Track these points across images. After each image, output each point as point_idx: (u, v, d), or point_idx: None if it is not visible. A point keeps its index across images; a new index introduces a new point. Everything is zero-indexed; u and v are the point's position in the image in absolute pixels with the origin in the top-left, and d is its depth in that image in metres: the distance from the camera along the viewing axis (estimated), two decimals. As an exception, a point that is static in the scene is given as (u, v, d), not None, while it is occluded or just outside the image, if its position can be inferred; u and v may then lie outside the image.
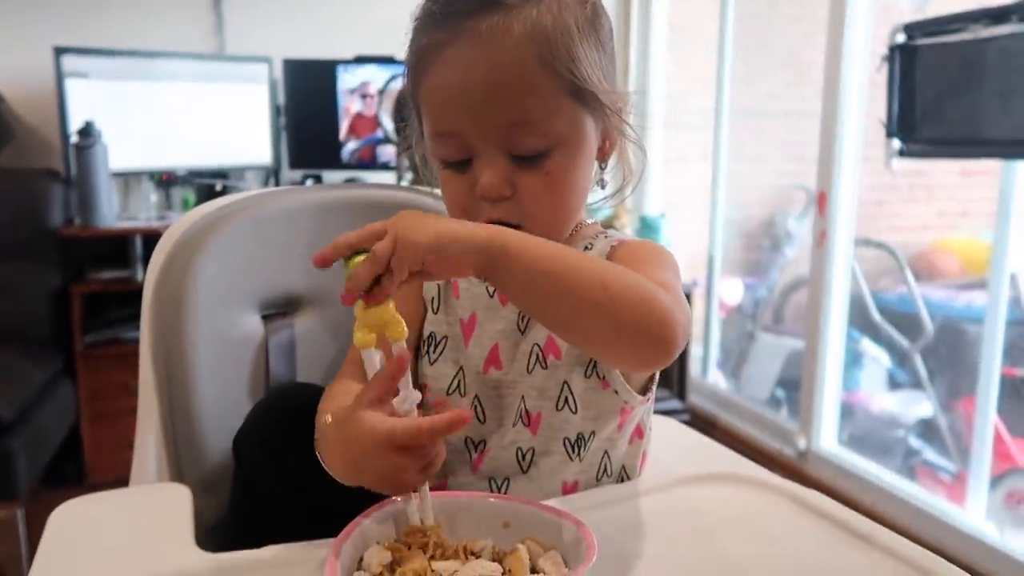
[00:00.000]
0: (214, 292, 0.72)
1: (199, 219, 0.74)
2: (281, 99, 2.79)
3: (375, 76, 2.79)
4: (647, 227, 2.75)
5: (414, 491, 0.51)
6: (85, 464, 2.28)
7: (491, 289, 0.68)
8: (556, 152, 0.61)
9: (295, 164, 2.84)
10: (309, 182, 2.90)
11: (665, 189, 3.28)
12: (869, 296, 2.90)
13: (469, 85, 0.58)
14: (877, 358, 3.06)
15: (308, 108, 2.80)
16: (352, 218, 0.79)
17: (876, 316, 2.88)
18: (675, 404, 2.78)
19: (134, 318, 2.38)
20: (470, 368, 0.67)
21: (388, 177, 2.86)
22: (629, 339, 0.52)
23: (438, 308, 0.69)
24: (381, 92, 2.67)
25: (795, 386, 2.91)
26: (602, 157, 0.67)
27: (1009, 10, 1.77)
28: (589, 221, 0.70)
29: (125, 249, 2.40)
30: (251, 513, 0.64)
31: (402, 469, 0.48)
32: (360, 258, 0.48)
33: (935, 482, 2.72)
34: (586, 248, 0.67)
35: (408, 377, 0.51)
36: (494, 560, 0.47)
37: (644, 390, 0.66)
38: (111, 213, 2.36)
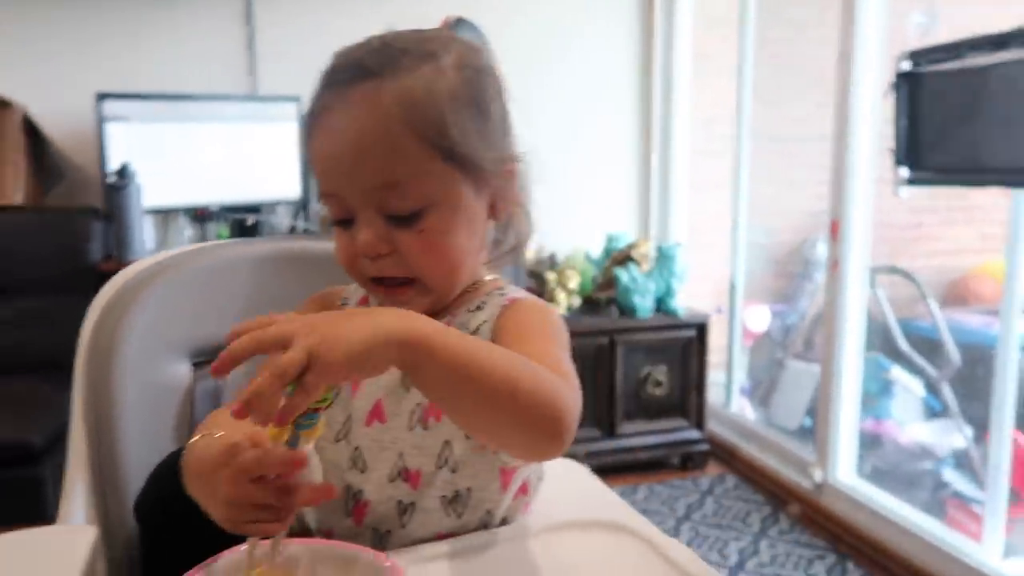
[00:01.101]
0: (145, 342, 0.77)
1: (135, 274, 0.80)
2: (310, 136, 2.90)
3: (398, 112, 2.88)
4: (664, 256, 2.75)
5: (263, 537, 0.53)
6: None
7: None
8: (430, 212, 0.64)
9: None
10: (337, 215, 3.00)
11: (692, 215, 3.28)
12: (895, 324, 2.84)
13: (342, 149, 0.62)
14: (908, 387, 2.98)
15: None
16: (280, 270, 0.85)
17: (903, 345, 2.82)
18: (693, 434, 2.76)
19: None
20: (356, 418, 0.69)
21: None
22: (528, 438, 0.55)
23: None
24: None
25: (822, 415, 2.85)
26: (493, 216, 0.69)
27: (1010, 36, 1.75)
28: (489, 277, 0.73)
29: (158, 282, 2.53)
30: (158, 568, 0.68)
31: (251, 500, 0.50)
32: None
33: (967, 515, 2.63)
34: (478, 307, 0.69)
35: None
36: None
37: None
38: (144, 248, 2.50)
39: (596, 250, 3.07)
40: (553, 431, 0.54)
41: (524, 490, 0.70)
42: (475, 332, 0.67)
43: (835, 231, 2.28)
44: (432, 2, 3.14)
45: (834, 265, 2.28)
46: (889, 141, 2.09)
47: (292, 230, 3.01)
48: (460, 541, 0.63)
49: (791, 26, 3.47)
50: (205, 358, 0.83)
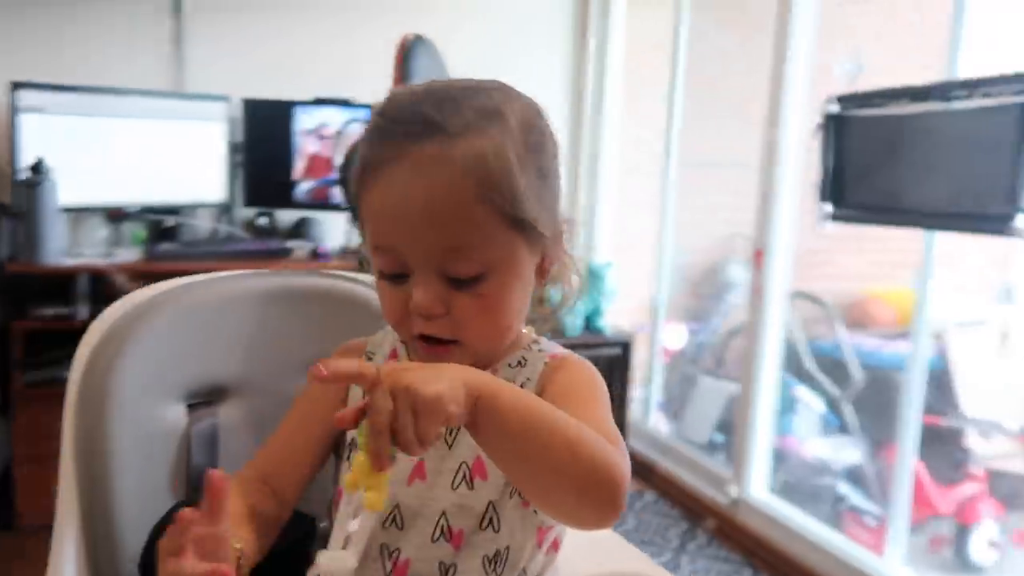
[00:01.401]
0: (139, 383, 0.73)
1: (125, 311, 0.76)
2: (238, 137, 2.81)
3: (332, 118, 2.83)
4: (594, 275, 2.82)
5: None
6: (16, 507, 2.24)
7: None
8: (490, 276, 0.63)
9: (249, 202, 2.86)
10: (263, 219, 2.92)
11: (617, 236, 3.37)
12: (804, 345, 3.01)
13: (408, 208, 0.61)
14: (810, 404, 3.17)
15: (264, 147, 2.83)
16: (274, 306, 0.82)
17: (808, 364, 2.99)
18: (617, 448, 2.84)
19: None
20: (396, 476, 0.67)
21: (340, 217, 2.90)
22: (585, 504, 0.56)
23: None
24: (339, 134, 2.72)
25: (734, 430, 3.00)
26: (542, 275, 0.69)
27: (930, 89, 1.90)
28: (528, 334, 0.74)
29: (70, 287, 2.39)
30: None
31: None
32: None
33: (861, 527, 2.82)
34: (520, 363, 0.70)
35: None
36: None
37: None
38: (57, 250, 2.36)
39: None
40: (610, 499, 0.55)
41: (555, 546, 0.71)
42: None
43: (759, 259, 2.41)
44: (362, 9, 3.10)
45: (756, 291, 2.40)
46: (811, 176, 2.23)
47: (214, 234, 2.90)
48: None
49: (719, 55, 3.61)
50: (200, 399, 0.79)
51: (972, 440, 2.95)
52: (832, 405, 3.12)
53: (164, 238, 2.74)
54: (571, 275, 0.73)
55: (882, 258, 4.04)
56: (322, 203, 2.89)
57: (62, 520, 0.71)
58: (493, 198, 0.61)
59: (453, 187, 0.61)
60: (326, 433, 0.71)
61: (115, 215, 2.69)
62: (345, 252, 2.69)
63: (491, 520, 0.66)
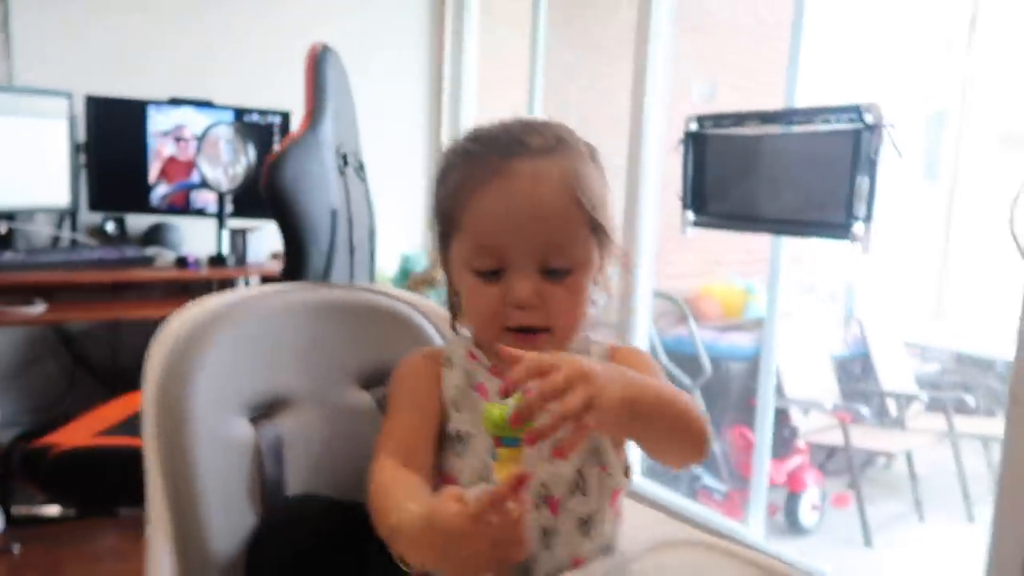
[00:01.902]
0: (208, 400, 0.73)
1: (184, 329, 0.75)
2: (81, 136, 2.59)
3: (191, 119, 2.69)
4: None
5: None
6: None
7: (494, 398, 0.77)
8: (577, 271, 0.75)
9: (96, 206, 2.64)
10: (111, 224, 2.71)
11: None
12: (657, 340, 3.29)
13: (516, 210, 0.72)
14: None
15: (113, 148, 2.63)
16: (323, 319, 0.84)
17: (663, 358, 3.27)
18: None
19: None
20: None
21: (204, 222, 2.76)
22: (689, 449, 0.69)
23: (461, 408, 0.77)
24: (200, 139, 2.59)
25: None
26: (596, 280, 0.80)
27: (778, 114, 2.18)
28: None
29: None
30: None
31: (494, 543, 0.56)
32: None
33: (712, 502, 3.14)
34: (586, 352, 0.80)
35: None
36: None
37: (625, 472, 0.79)
38: None
39: (388, 270, 3.12)
40: (704, 442, 0.69)
41: (618, 513, 0.81)
42: None
43: (626, 262, 2.61)
44: (217, 5, 2.96)
45: (627, 292, 2.61)
46: (668, 187, 2.47)
47: (56, 241, 2.66)
48: (601, 564, 0.71)
49: (560, 69, 3.83)
50: (260, 413, 0.79)
51: (796, 418, 3.38)
52: (681, 394, 3.42)
53: (-1, 245, 2.47)
54: (610, 285, 0.84)
55: (705, 257, 4.48)
56: (181, 208, 2.74)
57: (156, 530, 0.72)
58: (583, 203, 0.74)
59: (554, 192, 0.74)
60: (436, 423, 0.77)
61: (-62, 221, 2.39)
62: (215, 260, 2.57)
63: (579, 485, 0.76)
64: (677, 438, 0.67)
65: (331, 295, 0.87)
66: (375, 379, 0.87)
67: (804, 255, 4.66)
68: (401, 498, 0.65)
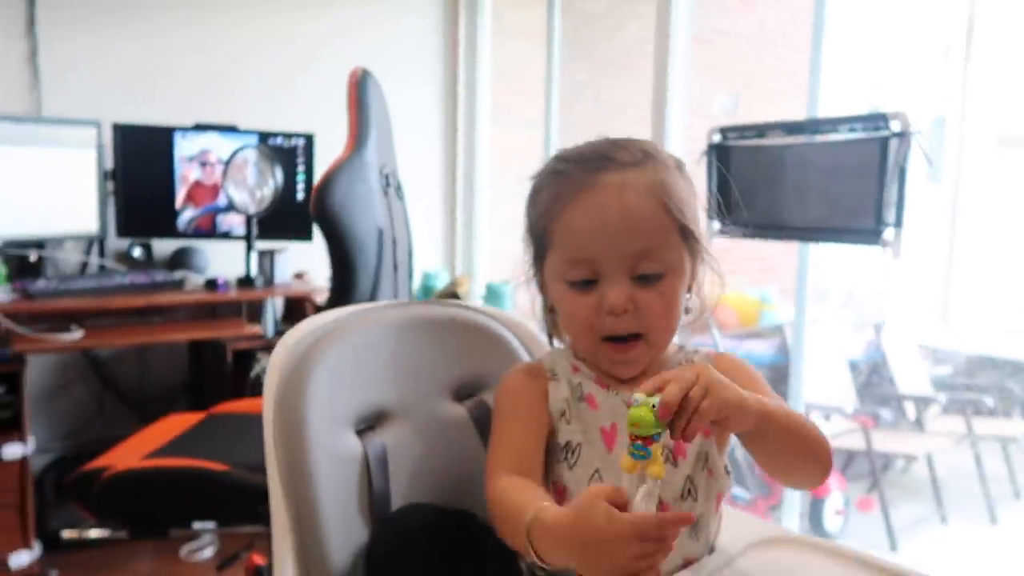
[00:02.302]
0: (322, 413, 0.76)
1: (297, 342, 0.78)
2: (109, 164, 2.62)
3: (216, 144, 2.72)
4: (493, 294, 2.93)
5: None
6: None
7: (625, 399, 0.78)
8: (668, 276, 0.77)
9: (124, 232, 2.67)
10: (137, 250, 2.74)
11: (498, 257, 3.50)
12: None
13: (606, 221, 0.75)
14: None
15: (140, 175, 2.66)
16: (417, 333, 0.87)
17: (685, 368, 3.29)
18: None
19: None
20: (614, 469, 0.76)
21: (231, 245, 2.79)
22: (812, 470, 0.72)
23: (571, 420, 0.80)
24: (226, 163, 2.61)
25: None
26: (689, 286, 0.82)
27: (802, 125, 2.21)
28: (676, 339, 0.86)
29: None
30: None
31: (642, 556, 0.59)
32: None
33: (735, 507, 3.14)
34: (687, 360, 0.83)
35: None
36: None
37: (727, 472, 0.82)
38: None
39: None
40: (827, 463, 0.72)
41: (720, 513, 0.84)
42: None
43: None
44: (239, 31, 3.02)
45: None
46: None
47: (84, 267, 2.68)
48: (709, 563, 0.73)
49: (571, 84, 3.88)
50: (365, 425, 0.82)
51: (817, 422, 3.39)
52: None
53: (28, 273, 2.50)
54: (707, 286, 0.86)
55: (723, 268, 4.51)
56: (208, 232, 2.77)
57: (280, 540, 0.74)
58: (672, 211, 0.76)
59: (642, 201, 0.76)
60: (544, 435, 0.80)
61: (-30, 251, 2.41)
62: (244, 281, 2.59)
63: (689, 491, 0.78)
64: (804, 459, 0.70)
65: (422, 311, 0.89)
66: (467, 391, 0.89)
67: (819, 261, 4.70)
68: (534, 498, 0.68)
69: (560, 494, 0.78)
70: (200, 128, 2.71)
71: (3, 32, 2.51)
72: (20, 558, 2.20)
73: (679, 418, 0.62)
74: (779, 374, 3.51)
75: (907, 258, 5.56)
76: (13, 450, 2.19)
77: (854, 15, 5.05)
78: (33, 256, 2.54)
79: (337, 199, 1.57)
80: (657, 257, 0.76)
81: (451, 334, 0.90)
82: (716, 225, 2.44)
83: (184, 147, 2.70)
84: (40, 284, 2.35)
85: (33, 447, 2.25)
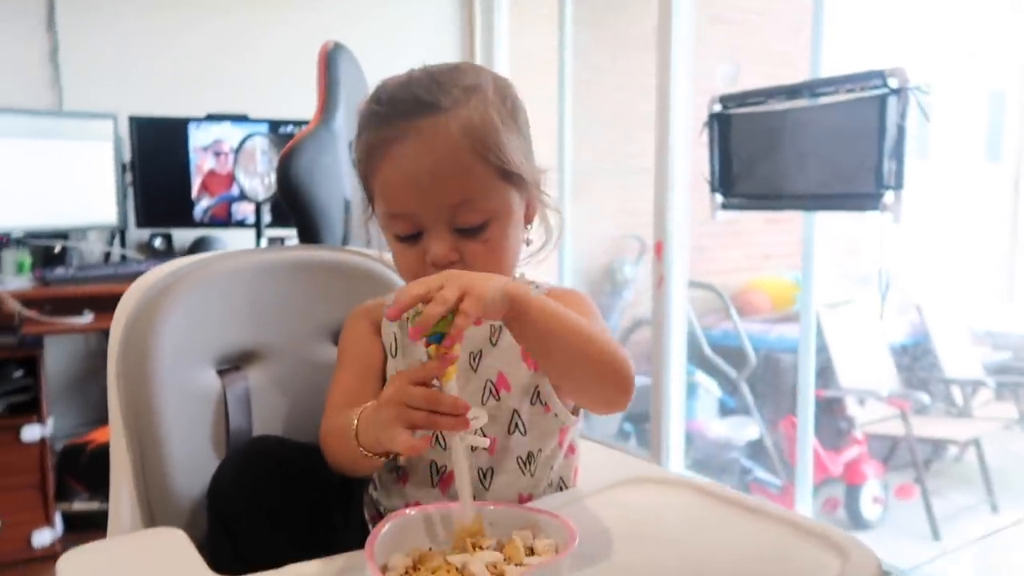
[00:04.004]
0: (174, 351, 0.76)
1: (154, 282, 0.79)
2: (127, 156, 2.71)
3: (229, 134, 2.78)
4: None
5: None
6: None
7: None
8: (492, 223, 0.73)
9: (143, 223, 2.75)
10: (158, 241, 2.82)
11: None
12: (700, 333, 3.23)
13: (418, 174, 0.71)
14: (709, 389, 3.40)
15: (157, 166, 2.74)
16: (295, 277, 0.87)
17: (707, 350, 3.21)
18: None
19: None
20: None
21: (244, 233, 2.85)
22: (604, 387, 0.67)
23: (396, 353, 0.79)
24: (237, 151, 2.67)
25: (640, 419, 3.16)
26: (527, 221, 0.80)
27: (800, 87, 2.13)
28: (516, 275, 0.82)
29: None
30: (232, 553, 0.69)
31: (398, 418, 0.59)
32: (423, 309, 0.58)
33: (766, 496, 3.05)
34: None
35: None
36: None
37: (575, 411, 0.78)
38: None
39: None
40: (624, 384, 0.67)
41: (572, 450, 0.81)
42: None
43: (659, 251, 2.57)
44: (250, 22, 3.06)
45: (660, 281, 2.57)
46: (696, 175, 2.43)
47: (107, 257, 2.78)
48: (547, 501, 0.70)
49: (593, 68, 3.83)
50: (229, 365, 0.82)
51: (852, 408, 3.26)
52: (728, 387, 3.35)
53: (52, 263, 2.60)
54: (550, 216, 0.83)
55: (754, 251, 4.39)
56: (223, 220, 2.83)
57: (117, 474, 0.76)
58: (486, 155, 0.72)
59: (453, 151, 0.72)
60: (379, 371, 0.80)
61: (-4, 242, 2.53)
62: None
63: (516, 425, 0.76)
64: (592, 370, 0.66)
65: (303, 254, 0.89)
66: (346, 334, 0.88)
67: (861, 246, 4.52)
68: (348, 415, 0.69)
69: None
70: (213, 118, 2.78)
71: (26, 29, 2.63)
72: (42, 536, 2.28)
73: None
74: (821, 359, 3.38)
75: (964, 238, 5.29)
76: (32, 432, 2.28)
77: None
78: (57, 247, 2.64)
79: (302, 168, 1.57)
80: (476, 207, 0.72)
81: (334, 277, 0.89)
82: (719, 198, 2.37)
83: (198, 137, 2.77)
84: (58, 272, 2.45)
85: (52, 429, 2.34)
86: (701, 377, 3.35)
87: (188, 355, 0.78)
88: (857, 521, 3.12)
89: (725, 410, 3.47)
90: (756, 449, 3.21)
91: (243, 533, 0.69)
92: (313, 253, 0.90)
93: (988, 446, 3.45)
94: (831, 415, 3.21)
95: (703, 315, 3.62)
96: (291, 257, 0.88)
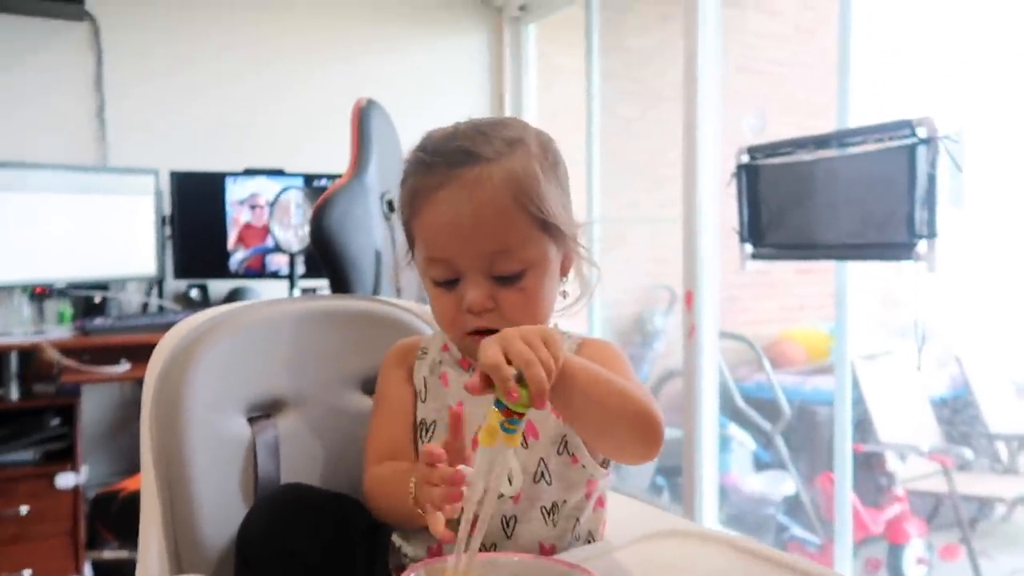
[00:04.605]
0: (205, 398, 0.77)
1: (188, 331, 0.80)
2: (167, 209, 2.79)
3: (264, 187, 2.86)
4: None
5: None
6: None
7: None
8: (529, 273, 0.74)
9: (181, 274, 2.82)
10: (195, 292, 2.88)
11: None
12: (733, 384, 3.18)
13: (459, 221, 0.72)
14: (743, 442, 3.33)
15: (195, 219, 2.82)
16: (325, 326, 0.88)
17: (740, 402, 3.16)
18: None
19: (9, 439, 2.24)
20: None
21: (278, 284, 2.89)
22: (637, 442, 0.67)
23: (426, 398, 0.80)
24: (272, 204, 2.74)
25: (673, 472, 3.10)
26: (563, 273, 0.80)
27: (829, 137, 2.13)
28: (550, 325, 0.82)
29: (-1, 366, 2.28)
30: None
31: (428, 481, 0.60)
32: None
33: (805, 555, 2.95)
34: None
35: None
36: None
37: (604, 464, 0.78)
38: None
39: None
40: (655, 437, 0.67)
41: (601, 503, 0.80)
42: None
43: (689, 301, 2.56)
44: (286, 80, 3.15)
45: (691, 331, 2.55)
46: (726, 225, 2.43)
47: (145, 308, 2.84)
48: (574, 553, 0.69)
49: (623, 121, 3.88)
50: (259, 413, 0.83)
51: (892, 463, 3.16)
52: (763, 441, 3.28)
53: (93, 314, 2.66)
54: (585, 268, 0.83)
55: (787, 302, 4.34)
56: (258, 272, 2.89)
57: (147, 520, 0.76)
58: (527, 206, 0.73)
59: (494, 199, 0.73)
60: (412, 417, 0.80)
61: (39, 292, 2.60)
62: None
63: (543, 474, 0.75)
64: (625, 429, 0.66)
65: (333, 304, 0.91)
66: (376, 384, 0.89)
67: (900, 297, 4.45)
68: (412, 467, 0.69)
69: None
70: (249, 173, 2.86)
71: (74, 88, 2.74)
72: (72, 583, 2.29)
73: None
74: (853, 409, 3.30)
75: (1005, 287, 5.17)
76: (66, 480, 2.31)
77: (941, 28, 4.85)
78: (97, 298, 2.71)
79: (334, 220, 1.61)
80: (514, 256, 0.73)
81: (364, 327, 0.90)
82: (748, 248, 2.36)
83: (235, 191, 2.85)
84: (97, 322, 2.50)
85: (85, 477, 2.37)
86: (735, 430, 3.29)
87: (219, 402, 0.79)
88: (901, 583, 3.00)
89: (760, 464, 3.40)
90: (793, 505, 3.12)
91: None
92: (342, 303, 0.92)
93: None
94: (870, 471, 3.12)
95: (736, 367, 3.57)
96: (321, 306, 0.90)
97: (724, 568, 0.67)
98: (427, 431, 0.78)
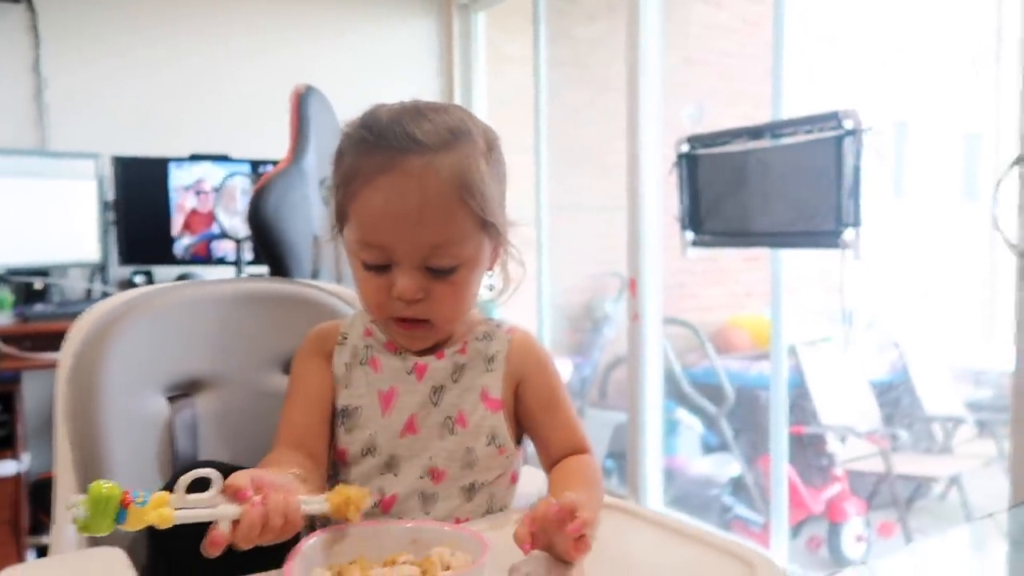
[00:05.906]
0: (122, 378, 0.78)
1: (103, 314, 0.81)
2: (110, 195, 2.75)
3: (210, 173, 2.83)
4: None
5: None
6: None
7: (408, 366, 0.80)
8: (462, 268, 0.75)
9: (125, 260, 2.78)
10: (140, 278, 2.85)
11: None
12: (680, 369, 3.25)
13: (403, 212, 0.72)
14: (692, 426, 3.41)
15: (139, 204, 2.78)
16: (247, 308, 0.89)
17: (687, 387, 3.23)
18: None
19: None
20: (388, 432, 0.78)
21: (225, 270, 2.87)
22: None
23: (348, 384, 0.80)
24: (217, 189, 2.72)
25: (623, 456, 3.16)
26: (490, 267, 0.81)
27: (763, 128, 2.19)
28: (486, 314, 0.87)
29: (-67, 354, 2.24)
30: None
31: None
32: None
33: (748, 533, 3.04)
34: (486, 337, 0.82)
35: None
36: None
37: (518, 442, 0.81)
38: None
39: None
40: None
41: (514, 479, 0.84)
42: (491, 358, 0.81)
43: (633, 288, 2.61)
44: (230, 64, 3.11)
45: (634, 317, 2.60)
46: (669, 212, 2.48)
47: (89, 294, 2.80)
48: (479, 523, 0.72)
49: (571, 110, 3.91)
50: (179, 392, 0.84)
51: (832, 445, 3.27)
52: (709, 424, 3.36)
53: (34, 300, 2.62)
54: (510, 265, 0.84)
55: (735, 289, 4.43)
56: (204, 258, 2.87)
57: (62, 491, 0.76)
58: (470, 203, 0.74)
59: (441, 194, 0.72)
60: (329, 404, 0.81)
61: (-25, 279, 2.55)
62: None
63: (468, 461, 0.78)
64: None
65: (256, 286, 0.92)
66: (297, 364, 0.90)
67: (843, 284, 4.57)
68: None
69: (341, 457, 0.79)
70: (195, 158, 2.83)
71: (11, 70, 2.68)
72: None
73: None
74: (794, 393, 3.40)
75: (944, 275, 5.34)
76: (7, 467, 2.28)
77: (879, 25, 4.97)
78: (38, 284, 2.67)
79: (271, 206, 1.61)
80: (451, 252, 0.74)
81: (286, 308, 0.92)
82: (689, 236, 2.42)
83: (180, 177, 2.81)
84: (38, 308, 2.47)
85: (27, 465, 2.34)
86: (683, 414, 3.37)
87: (137, 381, 0.80)
88: (840, 559, 3.11)
89: (708, 448, 3.48)
90: (738, 486, 3.21)
91: (178, 554, 0.70)
92: (265, 285, 0.93)
93: (970, 483, 3.45)
94: (812, 452, 3.22)
95: (684, 352, 3.64)
96: (243, 289, 0.91)
97: (607, 531, 0.71)
98: (348, 417, 0.79)
